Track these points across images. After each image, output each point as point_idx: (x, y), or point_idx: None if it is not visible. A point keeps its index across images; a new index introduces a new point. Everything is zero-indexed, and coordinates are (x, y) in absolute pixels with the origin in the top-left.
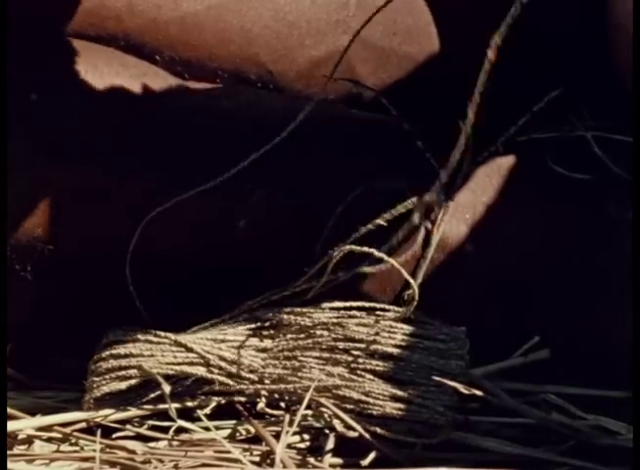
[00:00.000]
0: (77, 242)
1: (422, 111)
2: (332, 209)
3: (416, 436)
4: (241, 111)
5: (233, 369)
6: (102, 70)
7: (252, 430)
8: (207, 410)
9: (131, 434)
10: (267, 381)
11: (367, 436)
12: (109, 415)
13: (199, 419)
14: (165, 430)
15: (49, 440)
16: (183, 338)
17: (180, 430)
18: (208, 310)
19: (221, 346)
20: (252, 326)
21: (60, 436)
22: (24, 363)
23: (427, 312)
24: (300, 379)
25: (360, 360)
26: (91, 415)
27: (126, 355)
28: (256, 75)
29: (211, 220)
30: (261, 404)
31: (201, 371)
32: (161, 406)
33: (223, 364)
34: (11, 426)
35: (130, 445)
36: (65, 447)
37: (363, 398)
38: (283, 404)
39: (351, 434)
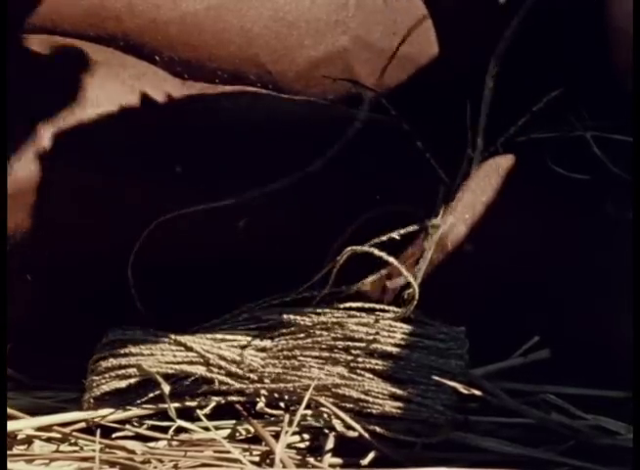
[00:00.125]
0: (77, 242)
1: (421, 111)
2: (332, 209)
3: (415, 435)
4: (240, 111)
5: (233, 368)
6: (101, 70)
7: (252, 430)
8: (207, 410)
9: (131, 434)
10: (267, 380)
11: (366, 435)
12: (108, 415)
13: (198, 419)
14: (165, 430)
15: (48, 440)
16: (183, 337)
17: (180, 430)
18: (208, 310)
19: (221, 345)
20: (252, 326)
21: (59, 436)
22: (24, 363)
23: (426, 312)
24: (300, 378)
25: (360, 359)
26: (90, 415)
27: (126, 354)
28: (256, 76)
29: (211, 220)
30: (261, 404)
31: (200, 370)
32: (161, 406)
33: (223, 363)
34: (10, 426)
35: (130, 444)
36: (64, 447)
37: (363, 396)
38: (282, 404)
39: (351, 433)
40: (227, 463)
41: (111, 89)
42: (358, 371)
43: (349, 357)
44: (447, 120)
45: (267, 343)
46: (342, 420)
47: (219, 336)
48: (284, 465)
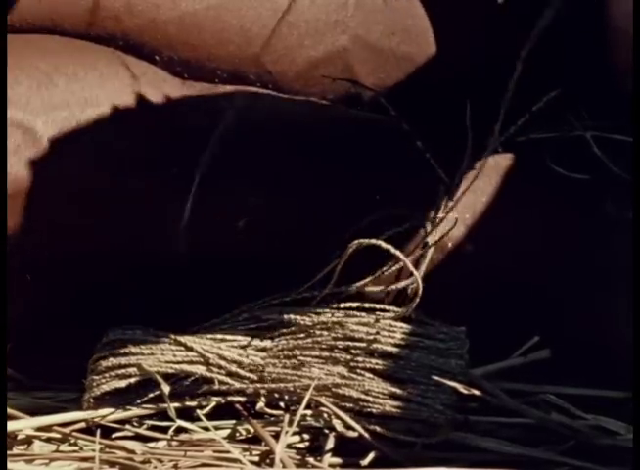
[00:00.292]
0: (77, 242)
1: (421, 111)
2: (331, 209)
3: (415, 435)
4: (240, 111)
5: (233, 368)
6: (101, 70)
7: (252, 430)
8: (207, 410)
9: (130, 434)
10: (267, 380)
11: (366, 435)
12: (108, 415)
13: (198, 419)
14: (165, 430)
15: (48, 440)
16: (183, 337)
17: (180, 430)
18: (208, 310)
19: (221, 345)
20: (252, 325)
21: (59, 436)
22: (24, 363)
23: (427, 312)
24: (300, 378)
25: (360, 359)
26: (90, 415)
27: (126, 354)
28: (255, 75)
29: (211, 220)
30: (261, 404)
31: (200, 370)
32: (161, 406)
33: (223, 363)
34: (10, 426)
35: (130, 444)
36: (64, 447)
37: (363, 396)
38: (282, 404)
39: (351, 434)
40: (227, 463)
41: (110, 89)
42: (358, 371)
43: (349, 357)
44: (447, 120)
45: (267, 343)
46: (342, 420)
47: (219, 336)
48: (284, 465)
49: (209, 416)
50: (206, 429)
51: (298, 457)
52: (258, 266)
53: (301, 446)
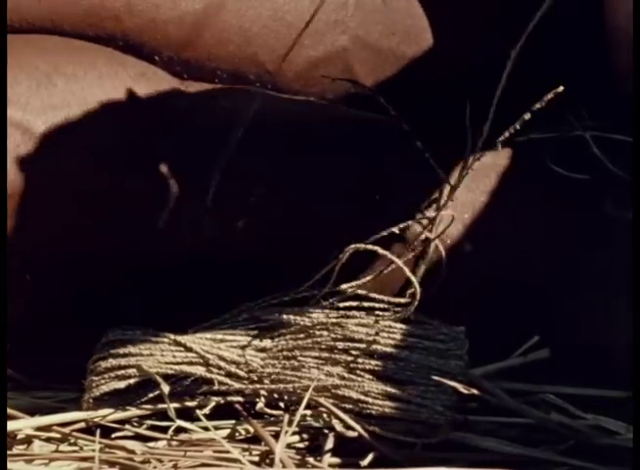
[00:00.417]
0: (77, 242)
1: (420, 111)
2: (331, 209)
3: (415, 436)
4: (239, 110)
5: (232, 369)
6: (101, 70)
7: (252, 430)
8: (207, 410)
9: (130, 434)
10: (266, 381)
11: (366, 436)
12: (108, 415)
13: (198, 419)
14: (164, 430)
15: (48, 440)
16: (182, 337)
17: (179, 430)
18: (208, 310)
19: (220, 345)
20: (252, 326)
21: (59, 436)
22: (24, 363)
23: (426, 312)
24: (300, 379)
25: (359, 360)
26: (90, 415)
27: (125, 355)
28: (255, 75)
29: (211, 220)
30: (260, 404)
31: (200, 371)
32: (161, 406)
33: (222, 364)
34: (10, 426)
35: (129, 444)
36: (64, 447)
37: (362, 397)
38: (282, 404)
39: (351, 434)
40: (227, 463)
41: (110, 89)
42: (358, 372)
43: (349, 358)
44: (447, 120)
45: (267, 343)
46: (342, 420)
47: (219, 336)
48: (283, 465)
49: (209, 416)
50: (206, 429)
51: (298, 457)
52: (258, 266)
53: (301, 445)
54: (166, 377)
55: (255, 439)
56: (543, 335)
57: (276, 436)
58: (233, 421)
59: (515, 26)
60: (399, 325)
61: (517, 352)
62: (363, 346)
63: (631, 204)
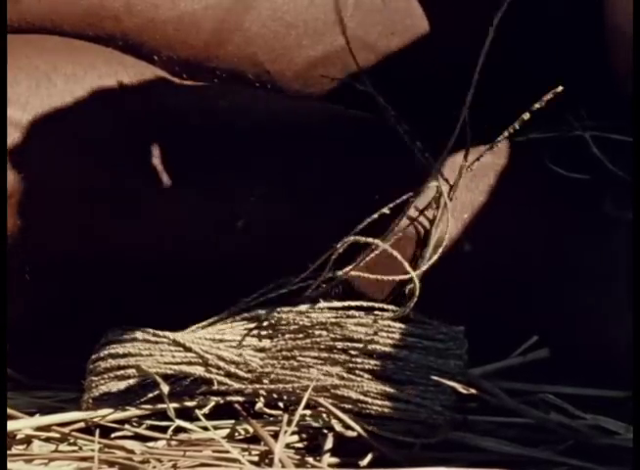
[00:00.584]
0: (77, 242)
1: (420, 111)
2: (331, 208)
3: (414, 435)
4: (238, 110)
5: (231, 369)
6: (100, 69)
7: (251, 430)
8: (206, 410)
9: (130, 434)
10: (266, 381)
11: (365, 435)
12: (107, 415)
13: (197, 419)
14: (164, 430)
15: (48, 439)
16: (182, 337)
17: (179, 430)
18: (208, 310)
19: (220, 345)
20: (251, 326)
21: (58, 436)
22: (23, 363)
23: (425, 312)
24: (299, 379)
25: (358, 360)
26: (89, 415)
27: (125, 355)
28: (254, 75)
29: (211, 220)
30: (260, 404)
31: (199, 371)
32: (160, 406)
33: (222, 364)
34: (10, 426)
35: (129, 444)
36: (63, 447)
37: (361, 397)
38: (281, 404)
39: (350, 433)
40: (226, 463)
41: (109, 88)
42: (357, 372)
43: (348, 358)
44: (446, 120)
45: (266, 343)
46: (341, 420)
47: (218, 336)
48: (283, 465)
49: (208, 416)
50: (206, 429)
51: (297, 457)
52: (258, 266)
53: (300, 445)
54: (166, 377)
55: (255, 438)
56: (542, 335)
57: (275, 436)
58: (232, 421)
59: (515, 27)
60: (398, 325)
61: (516, 352)
62: (362, 345)
63: (631, 204)
